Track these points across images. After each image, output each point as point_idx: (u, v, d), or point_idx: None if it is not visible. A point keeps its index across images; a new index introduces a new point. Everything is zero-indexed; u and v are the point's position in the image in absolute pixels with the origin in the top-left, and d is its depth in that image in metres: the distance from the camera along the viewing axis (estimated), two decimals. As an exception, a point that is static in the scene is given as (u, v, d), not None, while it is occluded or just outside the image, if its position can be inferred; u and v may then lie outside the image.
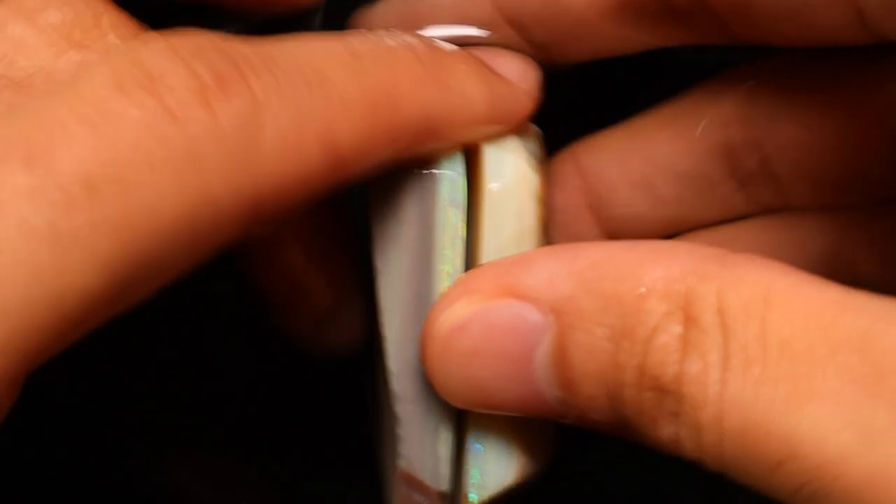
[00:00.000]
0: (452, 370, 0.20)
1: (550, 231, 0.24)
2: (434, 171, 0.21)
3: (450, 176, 0.21)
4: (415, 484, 0.23)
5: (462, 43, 0.22)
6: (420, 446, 0.22)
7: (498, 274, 0.19)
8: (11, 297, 0.15)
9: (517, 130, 0.22)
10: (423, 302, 0.22)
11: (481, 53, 0.22)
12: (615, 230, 0.25)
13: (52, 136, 0.16)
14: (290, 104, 0.18)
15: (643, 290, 0.18)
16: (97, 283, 0.16)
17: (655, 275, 0.18)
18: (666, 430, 0.17)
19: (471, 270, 0.21)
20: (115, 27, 0.19)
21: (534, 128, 0.23)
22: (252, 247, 0.24)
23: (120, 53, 0.17)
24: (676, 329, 0.17)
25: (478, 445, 0.22)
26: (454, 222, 0.21)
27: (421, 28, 0.23)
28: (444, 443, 0.22)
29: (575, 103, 0.27)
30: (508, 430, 0.22)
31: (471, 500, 0.22)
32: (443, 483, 0.22)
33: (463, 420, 0.22)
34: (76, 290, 0.15)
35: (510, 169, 0.22)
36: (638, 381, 0.18)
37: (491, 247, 0.22)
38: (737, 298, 0.17)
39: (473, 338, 0.19)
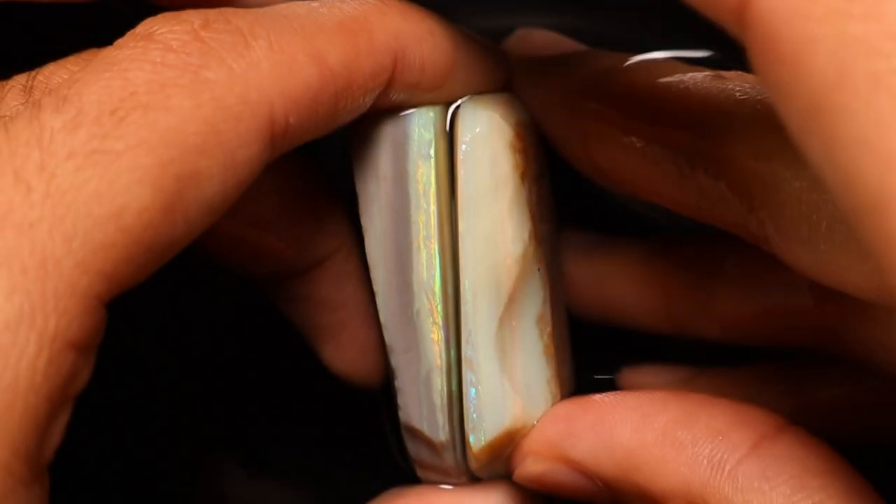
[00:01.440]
0: (541, 491, 0.24)
1: None
2: (405, 129, 0.23)
3: (419, 132, 0.22)
4: (416, 434, 0.24)
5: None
6: (415, 396, 0.23)
7: (549, 442, 0.23)
8: (81, 218, 0.17)
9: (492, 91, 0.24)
10: (403, 252, 0.23)
11: None
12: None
13: (74, 86, 0.18)
14: (272, 30, 0.20)
15: (666, 489, 0.21)
16: (147, 198, 0.17)
17: (675, 483, 0.21)
18: None
19: (531, 433, 0.23)
20: None
21: (515, 98, 0.25)
22: (286, 283, 0.26)
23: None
24: None
25: (472, 390, 0.23)
26: (425, 173, 0.23)
27: None
28: (437, 392, 0.23)
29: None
30: (502, 374, 0.23)
31: (472, 443, 0.23)
32: (441, 433, 0.23)
33: (457, 367, 0.23)
34: (131, 205, 0.17)
35: (483, 119, 0.23)
36: None
37: (465, 193, 0.23)
38: None
39: (549, 485, 0.23)
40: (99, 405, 0.20)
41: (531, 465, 0.23)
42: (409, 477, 0.26)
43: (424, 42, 0.22)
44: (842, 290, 0.20)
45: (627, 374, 0.28)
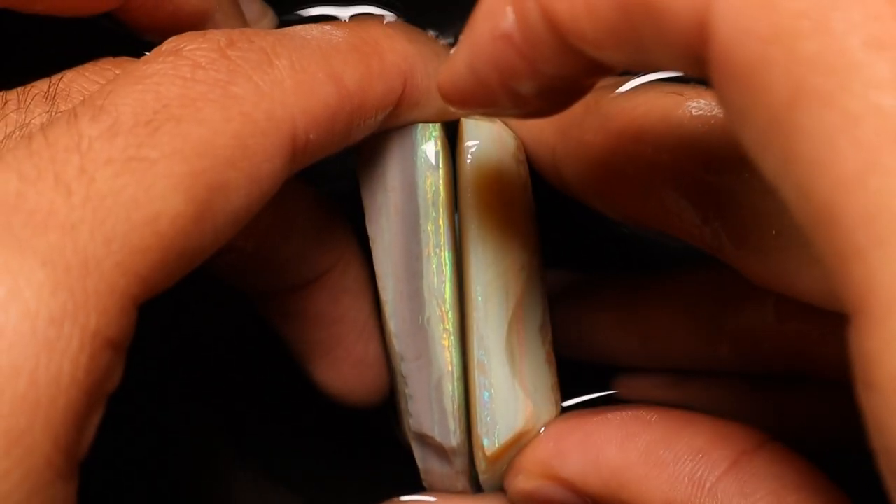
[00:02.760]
0: None
1: None
2: (412, 141, 0.23)
3: (426, 144, 0.23)
4: (427, 441, 0.24)
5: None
6: (426, 402, 0.24)
7: (539, 460, 0.24)
8: (120, 222, 0.17)
9: None
10: (413, 260, 0.23)
11: None
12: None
13: (109, 97, 0.18)
14: (293, 49, 0.20)
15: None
16: (181, 205, 0.18)
17: (660, 498, 0.22)
18: None
19: (524, 450, 0.24)
20: None
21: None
22: (281, 298, 0.26)
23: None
24: None
25: (486, 393, 0.23)
26: (433, 183, 0.23)
27: None
28: (448, 397, 0.23)
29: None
30: (513, 378, 0.23)
31: (485, 446, 0.23)
32: (452, 438, 0.24)
33: (468, 372, 0.24)
34: (166, 211, 0.17)
35: (487, 132, 0.23)
36: None
37: (474, 203, 0.23)
38: None
39: (540, 501, 0.24)
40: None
41: (523, 482, 0.24)
42: (411, 483, 0.26)
43: (430, 64, 0.23)
44: (792, 296, 0.21)
45: (623, 378, 0.28)
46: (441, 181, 0.23)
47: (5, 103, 0.20)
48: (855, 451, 0.25)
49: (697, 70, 0.15)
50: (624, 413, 0.23)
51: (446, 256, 0.23)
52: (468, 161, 0.23)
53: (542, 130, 0.24)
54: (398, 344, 0.24)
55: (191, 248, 0.18)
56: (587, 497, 0.23)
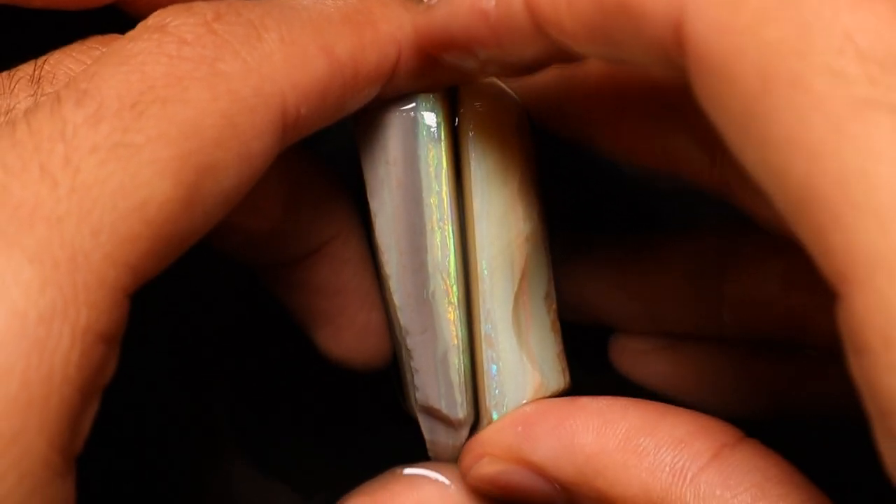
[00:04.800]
0: (493, 495, 0.24)
1: None
2: (413, 114, 0.23)
3: (427, 116, 0.23)
4: (434, 414, 0.24)
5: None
6: (433, 376, 0.24)
7: (507, 442, 0.23)
8: (107, 211, 0.17)
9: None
10: (417, 234, 0.23)
11: None
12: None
13: (93, 80, 0.18)
14: (282, 22, 0.20)
15: (626, 495, 0.22)
16: (169, 190, 0.17)
17: (636, 489, 0.21)
18: None
19: (486, 429, 0.23)
20: None
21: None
22: (284, 269, 0.26)
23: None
24: None
25: (493, 367, 0.23)
26: (436, 156, 0.23)
27: None
28: (454, 370, 0.23)
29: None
30: (521, 350, 0.23)
31: (494, 419, 0.23)
32: (459, 410, 0.24)
33: (474, 345, 0.24)
34: (154, 197, 0.17)
35: (489, 103, 0.23)
36: None
37: (478, 174, 0.23)
38: None
39: (503, 487, 0.23)
40: (102, 405, 0.20)
41: (486, 466, 0.23)
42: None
43: (425, 26, 0.22)
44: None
45: (616, 340, 0.28)
46: (444, 153, 0.23)
47: None
48: (851, 426, 0.26)
49: (668, 67, 0.16)
50: (601, 401, 0.23)
51: (450, 229, 0.23)
52: (471, 133, 0.23)
53: (544, 72, 0.23)
54: (403, 318, 0.24)
55: (180, 233, 0.18)
56: (557, 483, 0.23)
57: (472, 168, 0.23)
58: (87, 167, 0.17)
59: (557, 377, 0.24)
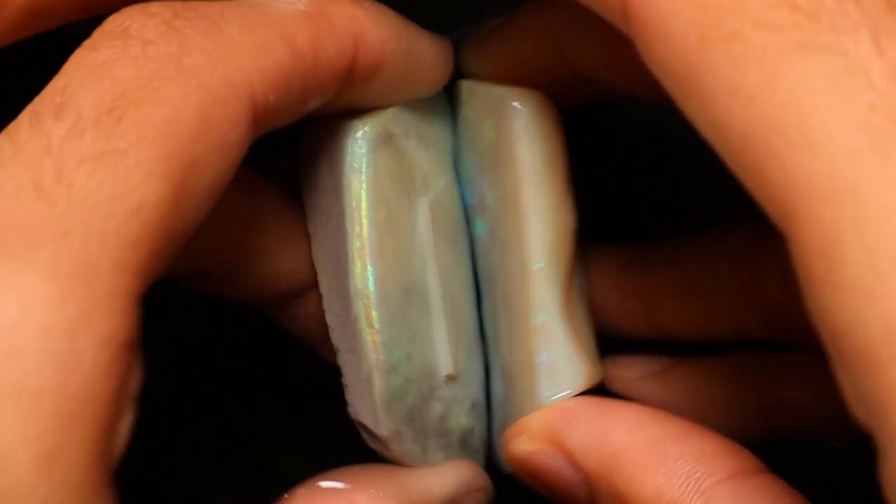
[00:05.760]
0: (523, 476, 0.25)
1: None
2: (340, 141, 0.24)
3: (352, 145, 0.24)
4: (363, 429, 0.25)
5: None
6: (359, 394, 0.25)
7: (549, 423, 0.24)
8: (107, 220, 0.17)
9: None
10: (342, 260, 0.24)
11: None
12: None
13: (66, 91, 0.18)
14: (240, 15, 0.20)
15: (639, 495, 0.22)
16: (159, 190, 0.17)
17: (650, 490, 0.22)
18: None
19: (534, 412, 0.24)
20: None
21: None
22: (286, 305, 0.27)
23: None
24: None
25: (545, 356, 0.25)
26: (357, 187, 0.24)
27: None
28: (376, 391, 0.24)
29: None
30: (573, 339, 0.25)
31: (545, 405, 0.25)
32: (382, 428, 0.25)
33: (517, 336, 0.25)
34: (147, 199, 0.17)
35: (533, 98, 0.25)
36: None
37: (528, 168, 0.24)
38: None
39: (533, 467, 0.24)
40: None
41: (523, 443, 0.24)
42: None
43: (380, 24, 0.23)
44: None
45: (606, 365, 0.28)
46: (363, 185, 0.24)
47: None
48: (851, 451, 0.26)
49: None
50: (642, 406, 0.24)
51: (368, 258, 0.24)
52: (519, 127, 0.24)
53: (540, 23, 0.24)
54: (333, 337, 0.25)
55: (175, 231, 0.18)
56: (581, 473, 0.23)
57: (522, 162, 0.24)
58: (79, 180, 0.17)
59: (599, 367, 0.25)
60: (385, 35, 0.23)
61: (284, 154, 0.25)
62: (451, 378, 0.26)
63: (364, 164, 0.24)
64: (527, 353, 0.25)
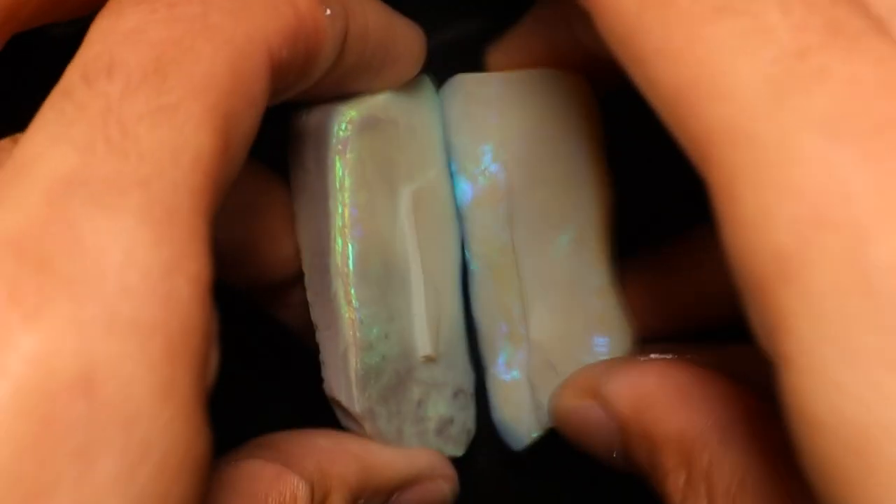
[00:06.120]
0: (566, 431, 0.26)
1: None
2: (326, 123, 0.25)
3: (338, 127, 0.24)
4: (339, 406, 0.26)
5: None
6: (335, 370, 0.25)
7: (590, 377, 0.25)
8: (175, 170, 0.17)
9: None
10: (323, 239, 0.25)
11: None
12: None
13: (110, 55, 0.18)
14: None
15: (663, 434, 0.23)
16: (210, 140, 0.18)
17: (674, 428, 0.23)
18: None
19: (577, 371, 0.26)
20: None
21: None
22: (282, 288, 0.27)
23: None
24: (682, 477, 0.22)
25: (598, 322, 0.27)
26: (340, 168, 0.24)
27: None
28: (352, 368, 0.25)
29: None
30: (622, 305, 0.27)
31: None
32: (356, 405, 0.25)
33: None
34: (203, 149, 0.18)
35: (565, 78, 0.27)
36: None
37: (579, 142, 0.26)
38: (720, 481, 0.22)
39: (574, 423, 0.26)
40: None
41: (567, 398, 0.26)
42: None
43: (367, 15, 0.24)
44: None
45: None
46: (347, 167, 0.25)
47: None
48: None
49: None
50: (673, 359, 0.25)
51: (349, 237, 0.25)
52: (562, 104, 0.26)
53: (556, 13, 0.25)
54: (313, 313, 0.25)
55: (224, 180, 0.19)
56: (616, 421, 0.25)
57: (575, 137, 0.26)
58: (143, 134, 0.17)
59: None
60: (369, 9, 0.24)
61: (274, 144, 0.25)
62: (429, 359, 0.27)
63: (349, 147, 0.25)
64: (582, 319, 0.26)
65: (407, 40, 0.25)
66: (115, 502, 0.16)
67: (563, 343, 0.27)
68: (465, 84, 0.27)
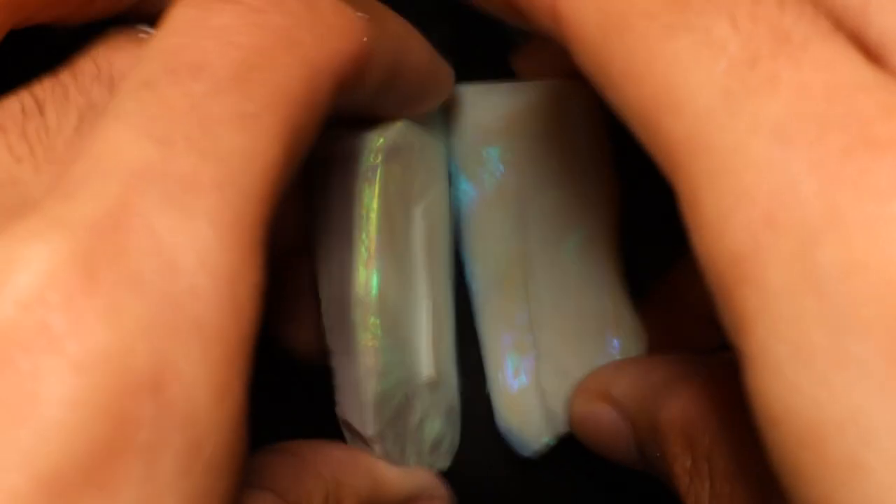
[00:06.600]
0: (582, 437, 0.27)
1: None
2: (357, 151, 0.25)
3: (367, 155, 0.25)
4: (349, 429, 0.26)
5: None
6: (349, 395, 0.26)
7: (601, 380, 0.27)
8: (246, 176, 0.18)
9: None
10: (346, 267, 0.25)
11: None
12: None
13: (196, 53, 0.18)
14: None
15: (667, 418, 0.24)
16: (280, 154, 0.18)
17: (677, 415, 0.24)
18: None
19: (589, 375, 0.27)
20: None
21: None
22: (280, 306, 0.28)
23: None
24: (688, 461, 0.23)
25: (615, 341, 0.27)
26: (368, 196, 0.25)
27: None
28: (366, 392, 0.25)
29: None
30: (636, 315, 0.28)
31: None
32: (369, 428, 0.26)
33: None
34: (273, 161, 0.18)
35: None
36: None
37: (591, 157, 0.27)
38: (720, 460, 0.23)
39: (589, 428, 0.27)
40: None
41: (581, 404, 0.27)
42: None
43: (416, 36, 0.24)
44: None
45: None
46: (375, 195, 0.25)
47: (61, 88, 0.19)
48: None
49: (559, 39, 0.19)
50: (680, 354, 0.26)
51: (374, 268, 0.25)
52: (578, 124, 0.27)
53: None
54: (329, 338, 0.26)
55: (282, 192, 0.19)
56: (627, 418, 0.25)
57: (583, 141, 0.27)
58: (222, 136, 0.17)
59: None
60: (416, 45, 0.24)
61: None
62: (431, 382, 0.27)
63: (378, 175, 0.25)
64: (594, 321, 0.27)
65: (442, 76, 0.26)
66: (172, 500, 0.16)
67: (575, 347, 0.28)
68: (472, 94, 0.28)
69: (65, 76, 0.20)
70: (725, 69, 0.16)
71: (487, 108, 0.28)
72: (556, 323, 0.28)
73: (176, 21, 0.19)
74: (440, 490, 0.28)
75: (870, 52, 0.17)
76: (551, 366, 0.28)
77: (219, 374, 0.17)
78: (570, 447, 0.28)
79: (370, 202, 0.25)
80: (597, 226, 0.27)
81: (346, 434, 0.27)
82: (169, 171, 0.17)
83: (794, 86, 0.16)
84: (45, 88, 0.19)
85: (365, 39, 0.21)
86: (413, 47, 0.24)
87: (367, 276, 0.25)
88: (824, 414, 0.15)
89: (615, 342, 0.28)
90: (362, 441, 0.26)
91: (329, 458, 0.25)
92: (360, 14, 0.21)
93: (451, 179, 0.29)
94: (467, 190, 0.28)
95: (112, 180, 0.16)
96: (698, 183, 0.16)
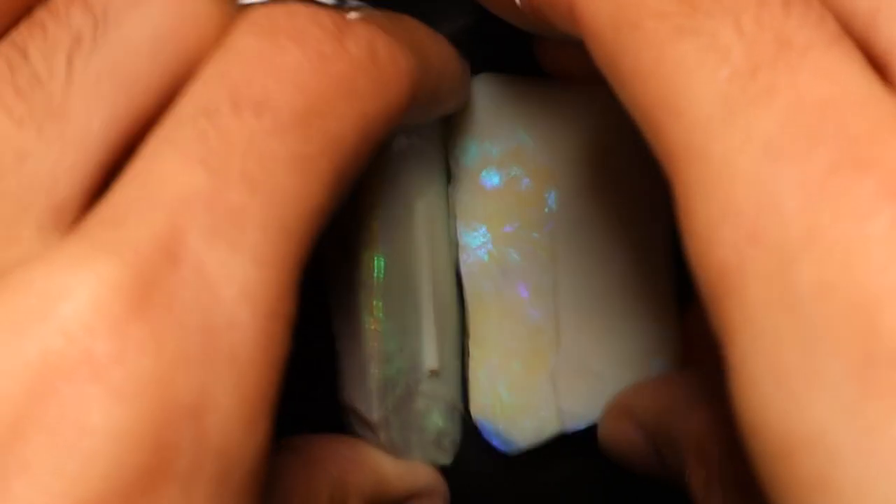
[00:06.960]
0: (612, 455, 0.28)
1: None
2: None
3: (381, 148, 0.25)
4: (354, 414, 0.26)
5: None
6: (354, 379, 0.26)
7: (625, 400, 0.27)
8: (293, 219, 0.18)
9: None
10: (351, 248, 0.26)
11: None
12: None
13: (261, 90, 0.18)
14: (386, 41, 0.20)
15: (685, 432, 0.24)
16: (326, 199, 0.18)
17: (693, 429, 0.24)
18: None
19: (617, 395, 0.27)
20: None
21: None
22: None
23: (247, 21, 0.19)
24: (703, 473, 0.23)
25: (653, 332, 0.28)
26: (374, 185, 0.25)
27: None
28: (372, 379, 0.26)
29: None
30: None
31: None
32: (374, 413, 0.26)
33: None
34: (320, 206, 0.18)
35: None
36: None
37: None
38: (731, 471, 0.23)
39: (618, 444, 0.27)
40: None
41: (608, 421, 0.27)
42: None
43: (453, 53, 0.25)
44: None
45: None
46: (380, 185, 0.25)
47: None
48: None
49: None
50: (693, 369, 0.26)
51: (377, 251, 0.25)
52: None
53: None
54: (335, 323, 0.26)
55: (319, 233, 0.19)
56: (648, 434, 0.26)
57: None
58: (276, 175, 0.18)
59: None
60: (454, 68, 0.25)
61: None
62: (433, 373, 0.27)
63: (385, 168, 0.25)
64: (641, 326, 0.27)
65: (466, 83, 0.26)
66: None
67: (602, 345, 0.28)
68: (494, 82, 0.28)
69: (40, 13, 0.19)
70: (728, 77, 0.16)
71: (514, 99, 0.28)
72: (582, 325, 0.28)
73: (241, 51, 0.18)
74: (441, 487, 0.28)
75: (877, 59, 0.17)
76: (571, 364, 0.28)
77: (251, 405, 0.17)
78: (566, 445, 0.28)
79: (375, 190, 0.25)
80: (646, 236, 0.27)
81: (353, 420, 0.27)
82: (219, 202, 0.17)
83: (789, 98, 0.16)
84: (21, 32, 0.18)
85: (414, 84, 0.21)
86: (449, 71, 0.24)
87: (370, 258, 0.25)
88: (795, 430, 0.15)
89: (657, 361, 0.27)
90: (368, 427, 0.26)
91: (337, 457, 0.26)
92: (408, 55, 0.21)
93: (449, 178, 0.29)
94: (490, 176, 0.28)
95: (161, 207, 0.17)
96: (693, 191, 0.16)
